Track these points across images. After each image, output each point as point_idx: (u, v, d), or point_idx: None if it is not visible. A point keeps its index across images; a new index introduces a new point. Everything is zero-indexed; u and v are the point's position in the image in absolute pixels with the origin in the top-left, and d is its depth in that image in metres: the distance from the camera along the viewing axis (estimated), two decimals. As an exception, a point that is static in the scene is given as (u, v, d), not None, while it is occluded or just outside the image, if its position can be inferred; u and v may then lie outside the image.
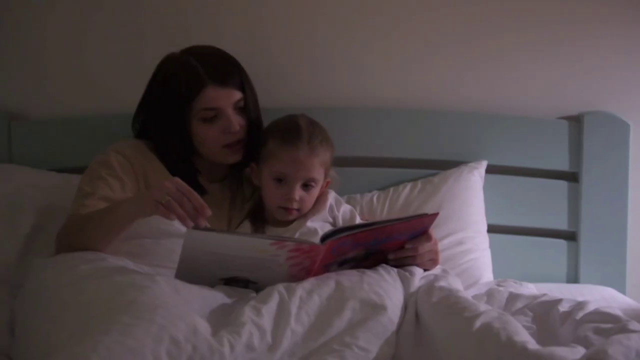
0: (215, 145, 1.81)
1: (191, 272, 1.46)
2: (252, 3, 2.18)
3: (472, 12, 2.19)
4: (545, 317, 1.48)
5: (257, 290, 1.48)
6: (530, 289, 1.82)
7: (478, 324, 1.31)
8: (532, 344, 1.23)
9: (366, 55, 2.19)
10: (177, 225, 1.66)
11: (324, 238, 1.47)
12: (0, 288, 1.75)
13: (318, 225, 1.78)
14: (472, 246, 2.04)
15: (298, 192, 1.75)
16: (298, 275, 1.48)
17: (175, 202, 1.46)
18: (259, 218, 1.85)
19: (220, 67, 1.81)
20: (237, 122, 1.80)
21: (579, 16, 2.20)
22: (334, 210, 1.83)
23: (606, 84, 2.22)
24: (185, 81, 1.77)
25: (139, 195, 1.63)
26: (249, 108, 1.84)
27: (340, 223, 1.81)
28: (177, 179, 1.53)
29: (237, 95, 1.81)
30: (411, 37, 2.19)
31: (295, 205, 1.76)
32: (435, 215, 1.59)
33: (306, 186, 1.76)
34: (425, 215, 1.60)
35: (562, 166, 2.19)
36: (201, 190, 1.85)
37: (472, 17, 2.19)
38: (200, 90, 1.76)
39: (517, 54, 2.20)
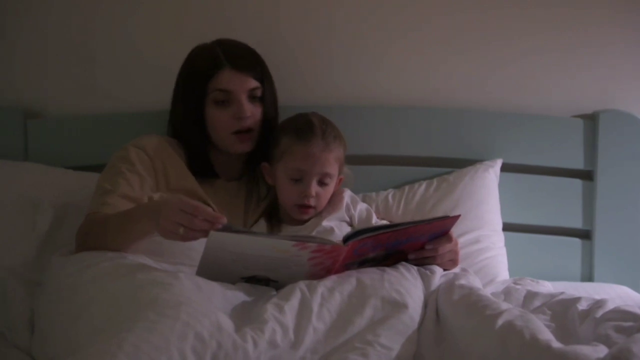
0: (225, 131, 1.83)
1: (212, 270, 1.46)
2: (267, -1, 2.20)
3: (488, 14, 2.19)
4: (564, 315, 1.48)
5: (277, 288, 1.48)
6: (547, 287, 1.82)
7: (500, 322, 1.31)
8: (556, 343, 1.23)
9: (382, 54, 2.20)
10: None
11: (346, 239, 1.47)
12: (19, 286, 1.74)
13: (334, 224, 1.79)
14: (488, 244, 2.04)
15: (314, 188, 1.75)
16: (319, 274, 1.48)
17: (190, 231, 1.44)
18: (274, 217, 1.86)
19: (241, 55, 1.84)
20: (248, 108, 1.81)
21: (593, 17, 2.20)
22: (350, 209, 1.83)
23: (621, 83, 2.22)
24: (204, 63, 1.82)
25: (154, 216, 1.53)
26: (265, 100, 1.85)
27: (357, 222, 1.81)
28: (178, 200, 1.47)
29: (253, 83, 1.83)
30: (428, 38, 2.19)
31: (312, 202, 1.76)
32: (457, 217, 1.59)
33: (322, 182, 1.77)
34: (447, 217, 1.61)
35: (576, 165, 2.19)
36: (214, 175, 1.87)
37: (488, 18, 2.19)
38: (216, 71, 1.80)
39: (532, 53, 2.20)
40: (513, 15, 2.20)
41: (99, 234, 1.62)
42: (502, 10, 2.19)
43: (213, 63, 1.81)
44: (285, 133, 1.79)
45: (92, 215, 1.69)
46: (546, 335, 1.26)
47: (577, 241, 2.20)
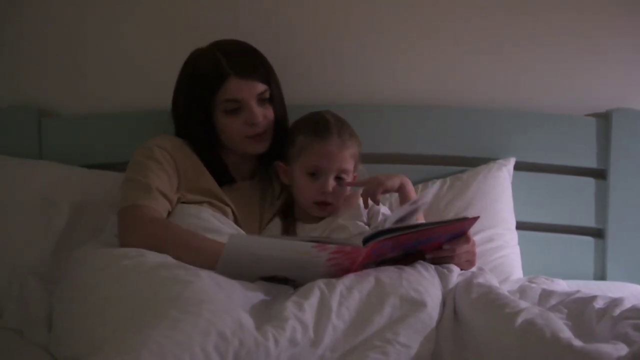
0: (239, 136, 1.82)
1: (231, 269, 1.46)
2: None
3: (501, 16, 2.20)
4: (580, 314, 1.48)
5: (295, 287, 1.48)
6: (562, 285, 1.82)
7: (520, 320, 1.31)
8: (577, 341, 1.23)
9: (396, 54, 2.20)
10: (215, 222, 1.68)
11: (366, 240, 1.47)
12: (36, 283, 1.74)
13: (349, 222, 1.79)
14: (502, 243, 2.04)
15: (332, 185, 1.76)
16: (337, 274, 1.48)
17: None
18: (290, 215, 1.86)
19: (244, 59, 1.82)
20: (260, 113, 1.81)
21: (605, 14, 2.20)
22: (372, 209, 1.83)
23: (634, 81, 2.22)
24: (209, 74, 1.79)
25: None
26: (274, 99, 1.85)
27: (380, 220, 1.81)
28: None
29: (261, 87, 1.82)
30: (442, 39, 2.20)
31: (330, 199, 1.76)
32: (476, 218, 1.60)
33: (339, 178, 1.77)
34: (466, 218, 1.61)
35: (589, 163, 2.19)
36: (231, 180, 1.87)
37: (502, 20, 2.20)
38: (222, 82, 1.78)
39: (545, 53, 2.20)
40: (526, 17, 2.20)
41: (167, 239, 1.60)
42: (516, 13, 2.19)
43: (217, 73, 1.78)
44: (301, 131, 1.79)
45: (139, 210, 1.66)
46: (567, 333, 1.27)
47: (589, 240, 2.20)
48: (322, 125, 1.78)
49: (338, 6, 2.19)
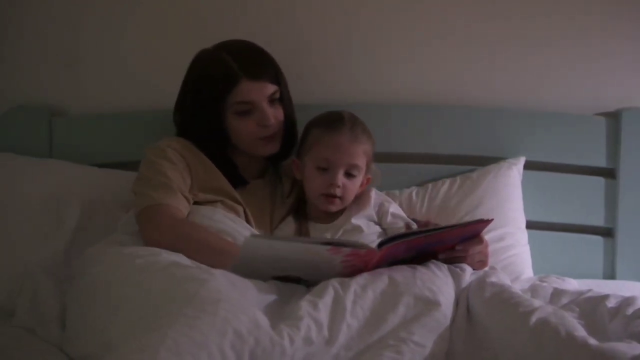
0: (250, 138, 1.82)
1: (244, 270, 1.46)
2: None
3: (511, 15, 2.20)
4: (592, 313, 1.47)
5: (308, 286, 1.48)
6: (573, 284, 1.82)
7: (534, 319, 1.31)
8: (592, 340, 1.23)
9: (407, 53, 2.21)
10: (229, 223, 1.69)
11: (381, 244, 1.47)
12: (48, 282, 1.74)
13: (362, 222, 1.79)
14: (512, 242, 2.04)
15: (341, 179, 1.75)
16: (350, 275, 1.47)
17: None
18: (302, 214, 1.87)
19: (252, 60, 1.81)
20: (272, 114, 1.81)
21: (614, 13, 2.20)
22: (382, 208, 1.83)
23: (644, 80, 2.22)
24: (219, 77, 1.78)
25: None
26: (284, 99, 1.85)
27: (389, 220, 1.82)
28: None
29: (272, 88, 1.81)
30: (453, 38, 2.20)
31: (337, 192, 1.76)
32: (489, 221, 1.60)
33: (349, 175, 1.77)
34: (480, 221, 1.61)
35: (599, 163, 2.19)
36: (243, 182, 1.86)
37: (512, 19, 2.20)
38: (234, 85, 1.77)
39: (555, 52, 2.20)
40: (535, 17, 2.20)
41: (197, 240, 1.62)
42: (525, 13, 2.19)
43: (227, 75, 1.77)
44: (315, 126, 1.80)
45: (165, 209, 1.67)
46: (581, 332, 1.27)
47: (599, 239, 2.20)
48: (335, 119, 1.79)
49: (347, 5, 2.19)
